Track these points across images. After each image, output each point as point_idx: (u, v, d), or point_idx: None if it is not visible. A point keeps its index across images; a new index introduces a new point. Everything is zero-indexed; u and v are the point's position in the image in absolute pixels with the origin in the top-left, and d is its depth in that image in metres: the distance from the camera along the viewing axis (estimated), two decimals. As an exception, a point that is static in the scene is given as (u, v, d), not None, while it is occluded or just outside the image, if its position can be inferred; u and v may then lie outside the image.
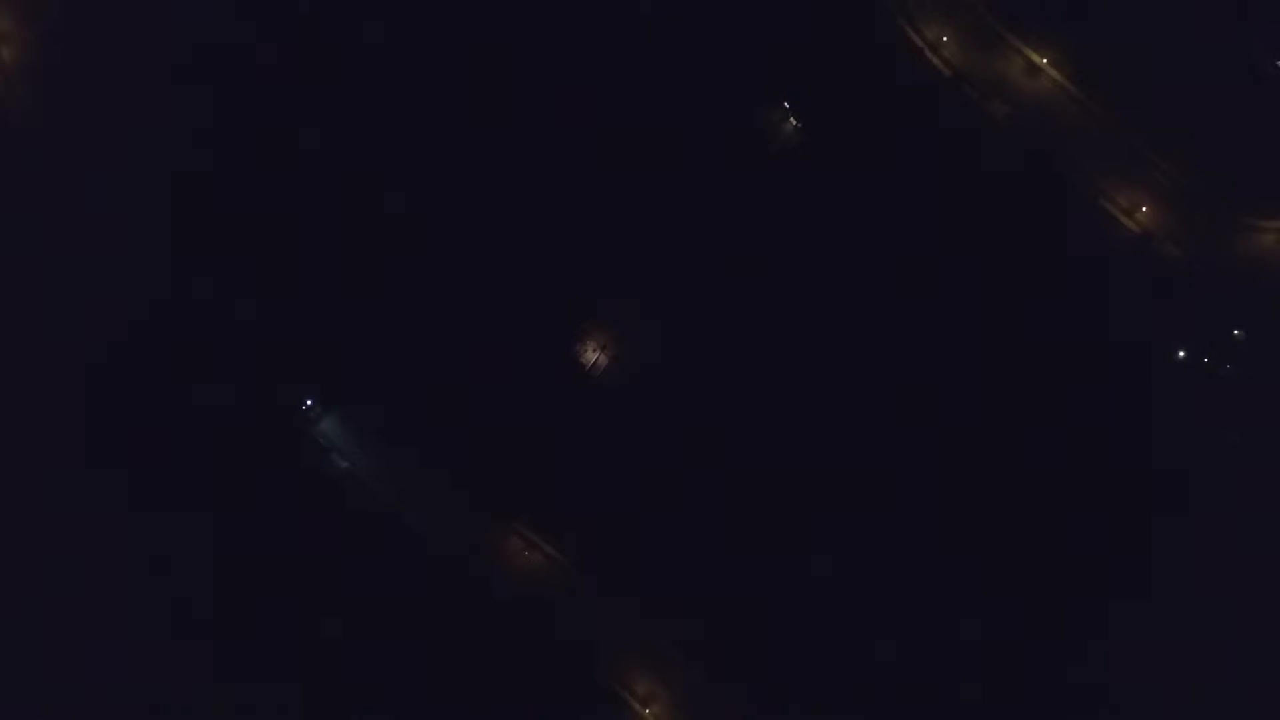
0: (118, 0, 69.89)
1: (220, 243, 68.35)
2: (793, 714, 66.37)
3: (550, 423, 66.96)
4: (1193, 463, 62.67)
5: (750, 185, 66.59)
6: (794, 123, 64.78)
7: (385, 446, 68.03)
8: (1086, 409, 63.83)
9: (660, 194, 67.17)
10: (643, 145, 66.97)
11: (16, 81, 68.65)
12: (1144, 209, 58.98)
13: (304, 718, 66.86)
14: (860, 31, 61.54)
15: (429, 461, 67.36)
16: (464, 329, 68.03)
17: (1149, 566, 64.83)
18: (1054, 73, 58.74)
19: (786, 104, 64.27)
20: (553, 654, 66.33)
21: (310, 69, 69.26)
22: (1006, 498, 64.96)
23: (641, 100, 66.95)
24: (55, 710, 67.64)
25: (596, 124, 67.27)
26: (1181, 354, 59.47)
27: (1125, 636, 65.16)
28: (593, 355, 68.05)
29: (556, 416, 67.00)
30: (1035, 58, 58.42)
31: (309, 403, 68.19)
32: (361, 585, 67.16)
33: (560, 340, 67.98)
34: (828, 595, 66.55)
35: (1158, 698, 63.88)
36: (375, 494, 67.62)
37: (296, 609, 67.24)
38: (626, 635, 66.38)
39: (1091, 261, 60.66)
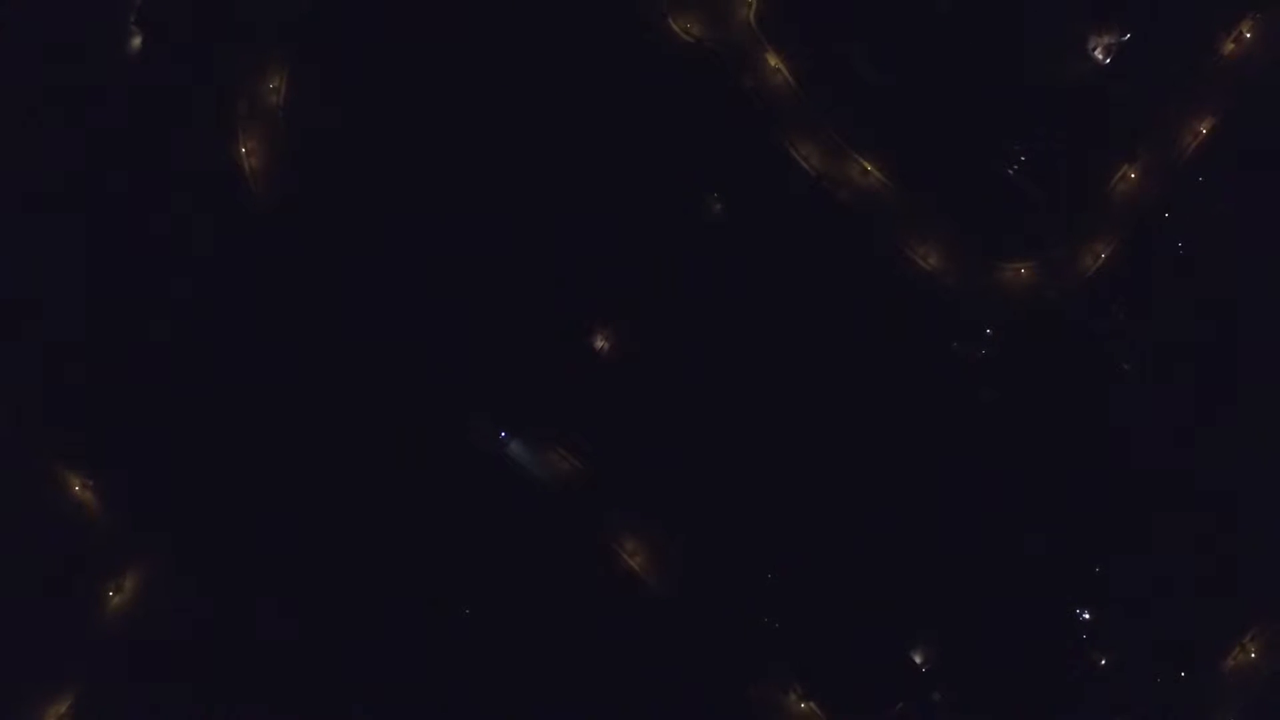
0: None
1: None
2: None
3: (565, 396, 78.14)
4: (959, 410, 78.81)
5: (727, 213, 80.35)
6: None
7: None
8: (900, 371, 78.92)
9: (655, 220, 79.13)
10: (640, 183, 79.51)
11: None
12: (931, 258, 79.04)
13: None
14: (758, 147, 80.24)
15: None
16: (496, 323, 77.95)
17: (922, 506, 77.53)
18: (877, 174, 79.47)
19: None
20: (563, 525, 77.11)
21: (368, 84, 78.98)
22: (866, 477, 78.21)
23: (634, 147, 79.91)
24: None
25: (607, 165, 79.19)
26: (955, 344, 78.57)
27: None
28: (600, 344, 77.94)
29: (570, 391, 78.24)
30: (865, 164, 79.42)
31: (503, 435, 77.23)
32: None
33: (573, 332, 78.49)
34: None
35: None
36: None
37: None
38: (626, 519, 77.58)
39: (900, 288, 79.26)
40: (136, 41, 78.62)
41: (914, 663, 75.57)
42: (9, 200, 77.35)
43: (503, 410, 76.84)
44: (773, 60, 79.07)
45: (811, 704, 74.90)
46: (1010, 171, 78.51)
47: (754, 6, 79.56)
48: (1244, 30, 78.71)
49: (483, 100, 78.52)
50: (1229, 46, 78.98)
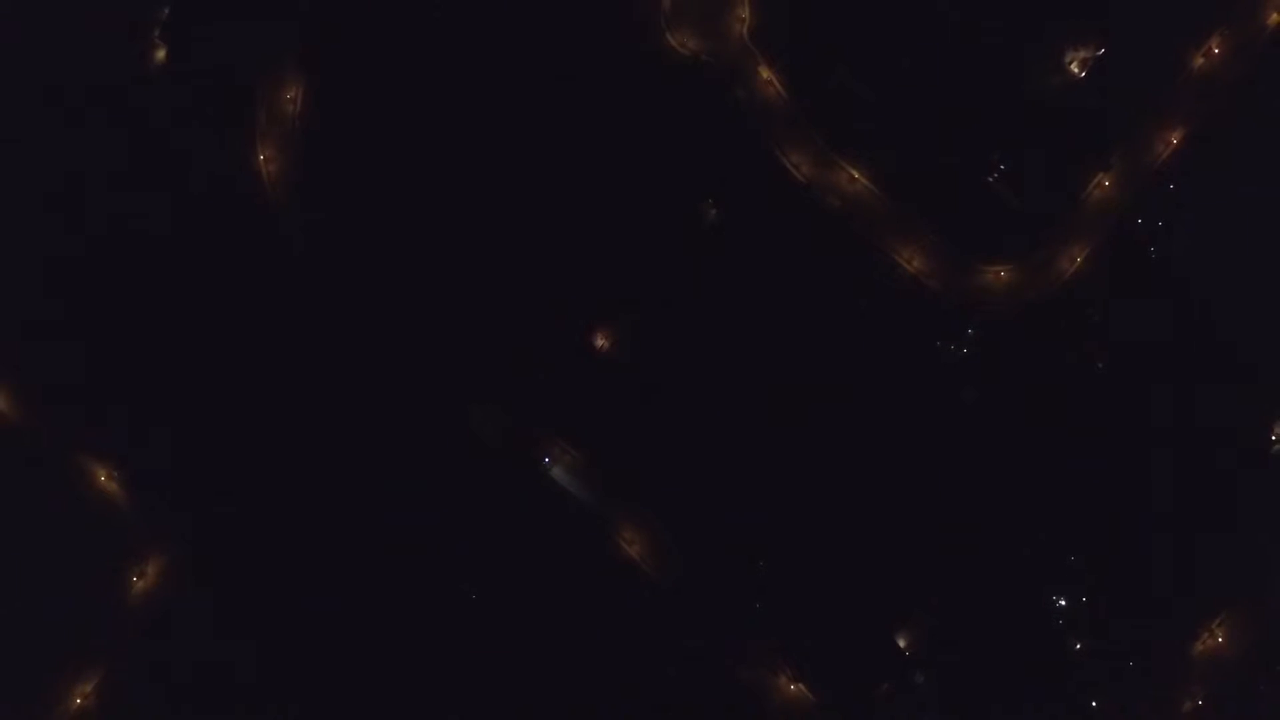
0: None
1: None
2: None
3: (569, 389, 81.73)
4: (942, 406, 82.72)
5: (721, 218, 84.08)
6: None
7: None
8: (886, 369, 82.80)
9: (653, 224, 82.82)
10: (639, 189, 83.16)
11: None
12: (915, 260, 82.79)
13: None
14: (751, 156, 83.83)
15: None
16: (499, 322, 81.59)
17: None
18: (865, 181, 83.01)
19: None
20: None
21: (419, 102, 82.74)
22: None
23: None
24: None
25: (608, 172, 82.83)
26: (938, 342, 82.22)
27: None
28: (602, 343, 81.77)
29: (574, 385, 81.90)
30: (853, 172, 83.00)
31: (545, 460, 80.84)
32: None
33: (578, 333, 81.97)
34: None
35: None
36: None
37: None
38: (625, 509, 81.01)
39: (886, 289, 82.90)
40: (160, 54, 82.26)
41: (898, 647, 79.38)
42: (35, 204, 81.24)
43: (504, 406, 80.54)
44: (765, 73, 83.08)
45: (801, 685, 78.76)
46: (991, 179, 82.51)
47: (747, 22, 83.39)
48: (1213, 46, 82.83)
49: (490, 109, 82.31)
50: (1199, 61, 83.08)
